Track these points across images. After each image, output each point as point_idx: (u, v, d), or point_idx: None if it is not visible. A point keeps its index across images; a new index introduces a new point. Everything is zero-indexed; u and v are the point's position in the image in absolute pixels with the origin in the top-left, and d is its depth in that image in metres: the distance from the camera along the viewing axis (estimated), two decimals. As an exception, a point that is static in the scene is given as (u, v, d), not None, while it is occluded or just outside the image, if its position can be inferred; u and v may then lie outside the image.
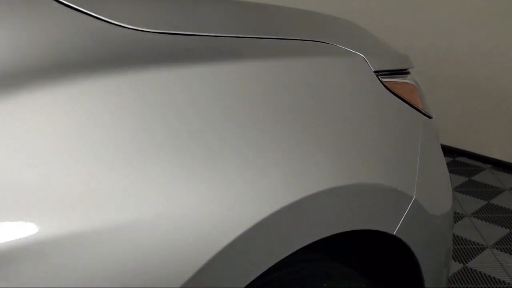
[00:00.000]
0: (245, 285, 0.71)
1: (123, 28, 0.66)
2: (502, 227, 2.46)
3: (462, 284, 2.02)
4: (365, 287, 0.93)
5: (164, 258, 0.60)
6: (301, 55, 0.84)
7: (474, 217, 2.54)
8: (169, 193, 0.61)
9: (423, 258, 1.04)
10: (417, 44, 3.04)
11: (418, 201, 0.97)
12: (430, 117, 1.11)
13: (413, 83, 1.08)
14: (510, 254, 2.23)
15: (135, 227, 0.59)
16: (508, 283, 2.04)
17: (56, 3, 0.61)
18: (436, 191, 1.06)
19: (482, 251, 2.26)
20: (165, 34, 0.70)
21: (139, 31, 0.67)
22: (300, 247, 0.77)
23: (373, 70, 0.95)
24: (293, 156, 0.74)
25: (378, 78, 0.96)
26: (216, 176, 0.66)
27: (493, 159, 3.17)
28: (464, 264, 2.15)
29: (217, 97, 0.69)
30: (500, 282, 2.04)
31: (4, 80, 0.54)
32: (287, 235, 0.75)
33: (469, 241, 2.32)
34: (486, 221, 2.50)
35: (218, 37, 0.75)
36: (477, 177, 2.98)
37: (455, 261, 2.16)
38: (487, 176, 3.00)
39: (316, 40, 0.90)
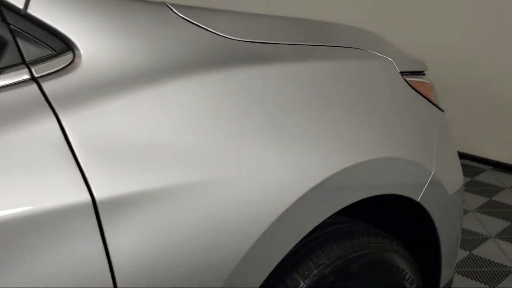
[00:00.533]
0: (302, 235, 0.94)
1: (224, 38, 0.91)
2: (503, 220, 2.69)
3: (468, 268, 2.25)
4: (384, 242, 1.15)
5: (260, 200, 0.84)
6: (348, 58, 1.09)
7: (478, 212, 2.77)
8: (264, 158, 0.85)
9: (440, 225, 1.28)
10: (418, 51, 3.28)
11: (436, 175, 1.21)
12: (442, 110, 1.36)
13: (428, 82, 1.32)
14: (511, 243, 2.46)
15: (238, 181, 0.82)
16: (510, 267, 2.26)
17: (183, 20, 0.86)
18: (449, 169, 1.30)
19: (486, 240, 2.49)
20: (252, 42, 0.95)
21: (235, 40, 0.92)
22: (350, 203, 1.01)
23: (398, 70, 1.20)
24: (347, 134, 0.99)
25: (403, 77, 1.20)
26: (292, 148, 0.90)
27: (493, 161, 3.41)
28: (470, 252, 2.38)
29: (292, 87, 0.94)
30: (502, 266, 2.27)
31: (159, 74, 0.79)
32: (341, 193, 0.99)
33: (474, 232, 2.55)
34: (488, 215, 2.73)
35: (291, 45, 1.00)
36: (479, 177, 3.21)
37: (461, 249, 2.39)
38: (488, 176, 3.24)
39: (357, 47, 1.14)
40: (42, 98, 0.69)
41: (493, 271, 2.24)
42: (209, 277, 0.79)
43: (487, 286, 2.13)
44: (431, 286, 1.40)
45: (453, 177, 1.32)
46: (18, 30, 0.70)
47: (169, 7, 0.86)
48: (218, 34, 0.90)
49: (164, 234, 0.74)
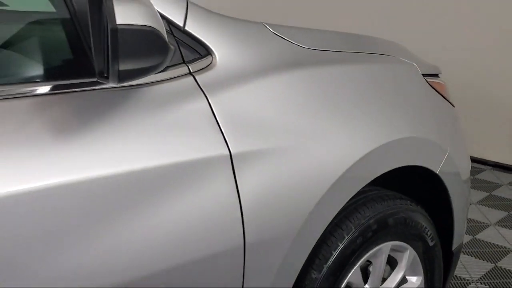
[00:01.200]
0: (357, 190, 1.28)
1: (306, 49, 1.26)
2: (501, 210, 3.03)
3: (473, 249, 2.58)
4: (411, 204, 1.49)
5: (331, 161, 1.18)
6: (384, 62, 1.44)
7: (479, 204, 3.11)
8: (333, 131, 1.20)
9: (453, 196, 1.62)
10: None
11: (450, 154, 1.55)
12: (453, 106, 1.71)
13: (442, 82, 1.68)
14: (509, 229, 2.80)
15: (317, 147, 1.17)
16: (508, 248, 2.60)
17: (273, 34, 1.21)
18: (459, 151, 1.65)
19: (487, 227, 2.83)
20: (319, 50, 1.30)
21: (310, 49, 1.27)
22: (388, 170, 1.35)
23: (421, 73, 1.55)
24: (387, 119, 1.34)
25: (424, 78, 1.56)
26: (350, 126, 1.25)
27: (491, 161, 3.75)
28: (473, 236, 2.72)
29: (348, 83, 1.29)
30: (501, 247, 2.61)
31: (266, 71, 1.13)
32: (383, 160, 1.33)
33: (476, 220, 2.89)
34: (488, 207, 3.07)
35: (345, 52, 1.35)
36: (479, 176, 3.56)
37: (466, 234, 2.72)
38: (488, 175, 3.59)
39: (389, 54, 1.50)
40: (196, 85, 1.03)
41: (494, 251, 2.57)
42: (297, 211, 1.13)
43: (490, 263, 2.47)
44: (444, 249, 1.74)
45: (462, 159, 1.66)
46: (179, 40, 1.04)
47: (264, 25, 1.22)
48: (296, 44, 1.25)
49: (273, 179, 1.08)
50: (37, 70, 1.02)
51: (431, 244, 1.57)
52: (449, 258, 1.75)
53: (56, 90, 0.91)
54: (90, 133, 0.89)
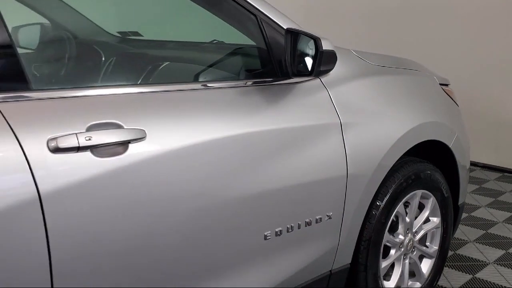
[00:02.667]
0: (401, 154, 2.08)
1: (373, 65, 2.08)
2: (490, 197, 3.84)
3: (467, 222, 3.37)
4: (433, 167, 2.28)
5: (388, 133, 1.99)
6: (414, 74, 2.27)
7: (472, 193, 3.92)
8: (391, 115, 2.01)
9: (460, 166, 2.42)
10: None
11: (458, 136, 2.36)
12: (458, 105, 2.52)
13: (451, 89, 2.49)
14: (497, 210, 3.60)
15: (380, 124, 1.97)
16: (494, 221, 3.40)
17: (357, 56, 2.02)
18: (463, 135, 2.45)
19: (478, 208, 3.63)
20: (381, 67, 2.11)
21: (374, 65, 2.09)
22: (421, 141, 2.14)
23: (438, 82, 2.37)
24: (419, 109, 2.15)
25: (440, 86, 2.38)
26: (400, 112, 2.06)
27: (481, 163, 4.57)
28: (469, 214, 3.51)
29: (397, 86, 2.11)
30: (490, 221, 3.41)
31: (357, 77, 1.94)
32: (417, 135, 2.13)
33: (470, 204, 3.69)
34: (479, 195, 3.88)
35: (393, 68, 2.18)
36: (471, 174, 4.37)
37: (464, 213, 3.51)
38: (478, 173, 4.40)
39: (414, 69, 2.32)
40: (322, 84, 1.83)
41: (483, 223, 3.36)
42: (372, 159, 1.92)
43: (482, 230, 3.26)
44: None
45: (465, 142, 2.46)
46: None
47: (351, 51, 2.02)
48: (369, 63, 2.07)
49: (361, 139, 1.88)
50: (247, 73, 1.81)
51: (446, 195, 2.36)
52: (456, 211, 2.54)
53: (256, 84, 1.70)
54: (271, 104, 1.67)
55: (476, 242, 3.09)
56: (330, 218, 1.83)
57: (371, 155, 1.93)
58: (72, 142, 1.19)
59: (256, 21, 1.71)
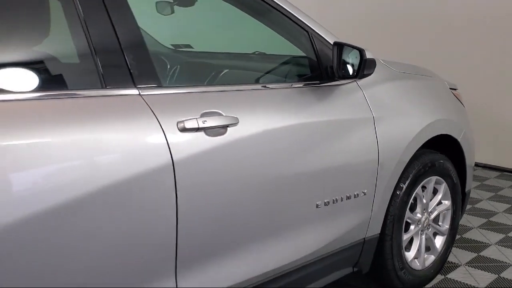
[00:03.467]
0: (420, 145, 2.52)
1: (397, 71, 2.53)
2: (490, 192, 4.28)
3: (471, 212, 3.81)
4: (445, 157, 2.73)
5: (412, 125, 2.44)
6: (429, 79, 2.73)
7: (475, 189, 4.36)
8: (413, 110, 2.46)
9: (467, 158, 2.87)
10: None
11: (465, 132, 2.81)
12: (464, 106, 2.97)
13: (458, 93, 2.95)
14: (497, 202, 4.04)
15: (407, 118, 2.42)
16: (495, 211, 3.84)
17: (385, 65, 2.48)
18: (469, 132, 2.90)
19: (480, 201, 4.07)
20: (402, 73, 2.57)
21: (398, 72, 2.54)
22: (435, 135, 2.59)
23: (448, 86, 2.83)
24: (434, 108, 2.60)
25: (450, 89, 2.83)
26: (420, 110, 2.51)
27: (481, 163, 5.02)
28: (472, 206, 3.95)
29: (417, 88, 2.57)
30: (491, 211, 3.84)
31: (384, 80, 2.39)
32: (433, 129, 2.57)
33: (474, 197, 4.13)
34: (482, 191, 4.32)
35: (413, 74, 2.64)
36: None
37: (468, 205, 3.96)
38: (479, 172, 4.85)
39: (428, 75, 2.78)
40: (358, 86, 2.28)
41: (486, 213, 3.80)
42: (398, 148, 2.37)
43: (484, 219, 3.70)
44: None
45: (471, 139, 2.91)
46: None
47: (379, 60, 2.47)
48: (393, 69, 2.52)
49: (389, 131, 2.32)
50: (298, 77, 2.26)
51: (455, 182, 2.80)
52: (463, 196, 2.98)
53: (307, 85, 2.14)
54: (320, 101, 2.11)
55: (480, 228, 3.53)
56: (365, 194, 2.27)
57: (397, 144, 2.38)
58: (194, 124, 1.63)
59: (308, 36, 2.16)
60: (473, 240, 3.34)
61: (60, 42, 1.68)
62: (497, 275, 2.86)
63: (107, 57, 1.57)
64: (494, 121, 4.89)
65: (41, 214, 1.35)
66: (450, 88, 2.90)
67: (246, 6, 2.19)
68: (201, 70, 2.58)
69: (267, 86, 2.10)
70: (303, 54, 2.25)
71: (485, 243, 3.29)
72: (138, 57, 1.63)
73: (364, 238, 2.35)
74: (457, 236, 3.33)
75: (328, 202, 2.12)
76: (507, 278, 2.83)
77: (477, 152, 4.97)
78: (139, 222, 1.56)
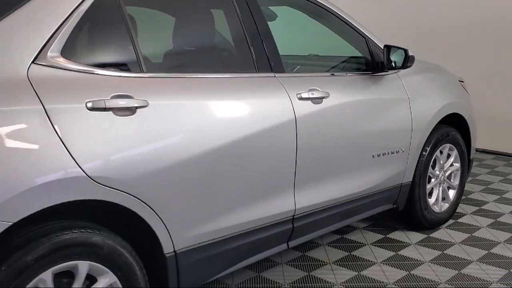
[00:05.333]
0: (437, 122, 3.51)
1: (422, 67, 3.52)
2: (487, 169, 5.28)
3: (474, 182, 4.80)
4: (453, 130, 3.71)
5: (431, 107, 3.43)
6: (443, 73, 3.75)
7: (476, 166, 5.34)
8: (430, 97, 3.46)
9: (471, 130, 3.86)
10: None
11: (470, 113, 3.80)
12: (468, 94, 3.97)
13: (465, 84, 3.94)
14: (493, 175, 5.03)
15: (425, 101, 3.41)
16: (492, 181, 4.82)
17: (417, 63, 3.47)
18: (472, 112, 3.89)
19: (480, 175, 5.06)
20: (426, 68, 3.56)
21: (423, 67, 3.53)
22: (449, 113, 3.57)
23: (458, 79, 3.83)
24: (447, 95, 3.61)
25: (458, 81, 3.83)
26: (435, 96, 3.51)
27: (480, 148, 6.01)
28: (474, 178, 4.93)
29: (434, 80, 3.57)
30: (489, 181, 4.84)
31: (413, 73, 3.38)
32: (447, 109, 3.56)
33: (474, 172, 5.11)
34: (481, 168, 5.31)
35: (432, 69, 3.63)
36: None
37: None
38: (478, 155, 5.84)
39: (443, 70, 3.78)
40: (398, 76, 3.26)
41: (484, 182, 4.79)
42: (423, 122, 3.35)
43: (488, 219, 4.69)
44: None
45: (475, 118, 3.90)
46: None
47: (416, 60, 3.44)
48: (420, 65, 3.50)
49: (416, 110, 3.31)
50: (356, 70, 3.24)
51: (463, 149, 3.79)
52: (469, 162, 3.96)
53: (361, 74, 3.12)
54: (374, 85, 3.09)
55: (481, 192, 4.52)
56: (403, 151, 3.25)
57: (423, 118, 3.36)
58: (306, 95, 2.60)
59: (365, 41, 3.14)
60: (476, 200, 4.33)
61: (222, 43, 2.66)
62: (494, 220, 3.85)
63: (257, 53, 2.54)
64: (490, 111, 5.89)
65: (213, 149, 2.20)
66: (459, 80, 3.89)
67: (325, 20, 3.16)
68: (301, 63, 3.51)
69: (348, 74, 3.10)
70: (359, 55, 3.23)
71: (485, 201, 4.28)
72: (273, 54, 2.60)
73: (401, 183, 3.33)
74: (463, 197, 4.31)
75: (380, 154, 3.10)
76: (506, 222, 3.82)
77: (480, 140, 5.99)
78: (275, 157, 2.51)
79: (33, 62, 1.81)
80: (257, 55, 2.53)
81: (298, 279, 2.94)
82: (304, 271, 3.03)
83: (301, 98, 2.60)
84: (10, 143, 1.68)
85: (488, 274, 2.99)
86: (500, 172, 5.17)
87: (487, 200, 4.29)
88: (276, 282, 2.91)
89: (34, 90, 1.77)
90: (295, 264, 3.12)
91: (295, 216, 2.65)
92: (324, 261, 3.16)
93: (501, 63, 5.71)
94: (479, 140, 5.97)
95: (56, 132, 1.77)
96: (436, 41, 6.07)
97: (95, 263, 1.89)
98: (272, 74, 2.57)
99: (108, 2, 2.08)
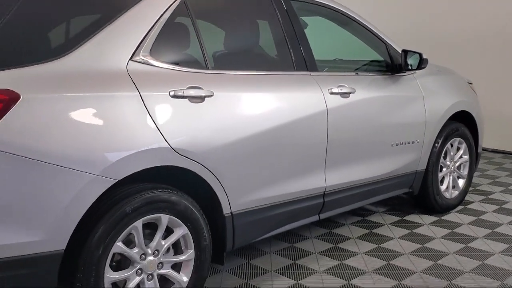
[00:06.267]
0: (448, 117, 4.00)
1: (436, 69, 4.02)
2: (495, 165, 5.73)
3: (482, 176, 5.26)
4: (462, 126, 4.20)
5: (442, 105, 3.93)
6: (455, 75, 4.25)
7: (484, 164, 5.80)
8: (441, 96, 3.95)
9: (479, 128, 4.34)
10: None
11: (478, 111, 4.29)
12: (476, 94, 4.45)
13: (473, 86, 4.42)
14: (501, 171, 5.49)
15: (436, 100, 3.91)
16: (499, 175, 5.28)
17: (433, 65, 3.97)
18: (480, 111, 4.36)
19: (488, 170, 5.51)
20: (439, 70, 4.06)
21: (435, 69, 4.03)
22: (458, 110, 4.05)
23: (466, 81, 4.32)
24: (456, 94, 4.10)
25: (467, 83, 4.32)
26: (446, 95, 4.00)
27: (489, 148, 6.47)
28: (482, 173, 5.39)
29: (443, 80, 4.07)
30: (496, 176, 5.30)
31: (426, 75, 3.88)
32: (456, 106, 4.04)
33: (481, 168, 5.57)
34: (489, 165, 5.77)
35: (444, 71, 4.13)
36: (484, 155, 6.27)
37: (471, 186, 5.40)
38: (487, 154, 6.30)
39: (453, 73, 4.28)
40: (414, 77, 3.76)
41: (492, 176, 5.25)
42: (436, 116, 3.85)
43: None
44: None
45: (482, 116, 4.38)
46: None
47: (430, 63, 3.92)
48: (433, 68, 4.00)
49: (430, 105, 3.80)
50: (379, 71, 3.75)
51: (471, 143, 4.27)
52: (476, 155, 4.43)
53: (382, 74, 3.63)
54: (393, 83, 3.60)
55: (489, 184, 4.98)
56: (418, 142, 3.74)
57: (436, 114, 3.84)
58: (336, 90, 3.12)
59: (385, 47, 3.65)
60: (484, 190, 4.79)
61: (270, 46, 3.18)
62: (499, 206, 4.32)
63: (296, 55, 3.06)
64: (500, 114, 6.36)
65: (262, 132, 2.72)
66: (468, 82, 4.38)
67: (351, 28, 3.67)
68: (329, 65, 4.02)
69: (370, 74, 3.60)
70: (380, 58, 3.74)
71: (491, 191, 4.74)
72: (308, 56, 3.12)
73: (416, 170, 3.82)
74: (472, 188, 4.78)
75: (398, 143, 3.60)
76: (510, 208, 4.28)
77: (484, 138, 6.45)
78: (310, 141, 3.02)
79: (130, 59, 2.35)
80: (295, 57, 3.05)
81: (328, 249, 3.44)
82: (331, 242, 3.53)
83: (332, 93, 3.11)
84: (116, 119, 2.21)
85: (491, 247, 3.47)
86: (507, 168, 5.63)
87: (494, 191, 4.76)
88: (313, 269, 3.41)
89: (132, 80, 2.30)
90: (324, 238, 3.62)
91: (325, 192, 3.16)
92: (348, 236, 3.66)
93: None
94: (489, 141, 6.45)
95: (148, 112, 2.30)
96: (453, 50, 6.56)
97: (173, 217, 2.41)
98: (307, 73, 3.08)
99: (182, 14, 2.62)
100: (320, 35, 4.72)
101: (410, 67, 3.61)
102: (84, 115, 2.13)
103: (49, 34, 2.35)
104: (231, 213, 2.66)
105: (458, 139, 4.15)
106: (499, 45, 6.24)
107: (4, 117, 1.93)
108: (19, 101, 1.97)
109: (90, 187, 2.11)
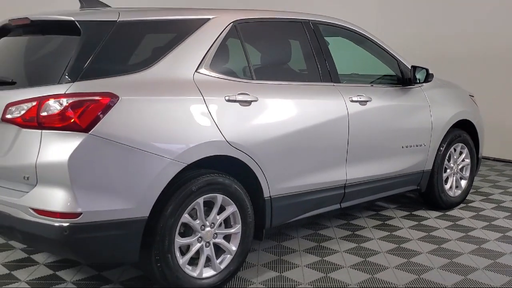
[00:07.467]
0: (451, 125, 4.59)
1: (440, 82, 4.63)
2: (496, 172, 6.28)
3: (484, 180, 5.82)
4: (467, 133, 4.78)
5: (447, 113, 4.53)
6: (458, 88, 4.85)
7: (485, 170, 6.35)
8: (447, 105, 4.55)
9: (479, 135, 4.92)
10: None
11: (478, 120, 4.88)
12: (477, 106, 5.04)
13: (474, 98, 5.01)
14: (501, 176, 6.04)
15: (443, 108, 4.51)
16: (500, 180, 5.83)
17: (437, 79, 4.57)
18: (480, 120, 4.94)
19: (489, 176, 6.07)
20: (443, 83, 4.66)
21: (439, 82, 4.64)
22: (461, 119, 4.64)
23: (468, 94, 4.92)
24: (458, 105, 4.70)
25: (469, 95, 4.92)
26: (451, 105, 4.60)
27: (491, 157, 7.02)
28: (484, 178, 5.95)
29: (447, 93, 4.68)
30: (497, 180, 5.85)
31: (432, 87, 4.48)
32: (459, 115, 4.63)
33: (482, 173, 6.13)
34: (491, 171, 6.32)
35: (447, 84, 4.74)
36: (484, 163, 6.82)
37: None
38: (490, 162, 6.85)
39: (456, 86, 4.89)
40: (421, 89, 4.37)
41: (493, 180, 5.80)
42: (442, 123, 4.44)
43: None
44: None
45: (483, 125, 4.96)
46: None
47: (435, 77, 4.53)
48: (438, 81, 4.60)
49: (436, 113, 4.40)
50: (391, 84, 4.35)
51: (472, 149, 4.85)
52: (477, 160, 5.00)
53: (393, 86, 4.23)
54: (404, 94, 4.20)
55: (491, 187, 5.54)
56: (425, 145, 4.33)
57: (440, 121, 4.43)
58: (356, 98, 3.74)
59: (397, 63, 4.26)
60: (484, 192, 5.36)
61: (301, 61, 3.79)
62: (497, 205, 4.88)
63: (322, 68, 3.67)
64: (502, 126, 6.92)
65: (297, 131, 3.34)
66: (469, 95, 4.97)
67: (367, 47, 4.28)
68: (347, 78, 4.61)
69: (383, 86, 4.20)
70: (391, 73, 4.35)
71: (491, 193, 5.30)
72: (332, 69, 3.73)
73: (423, 170, 4.40)
74: (473, 190, 5.34)
75: (407, 146, 4.19)
76: (507, 206, 4.84)
77: (487, 148, 7.01)
78: (334, 140, 3.62)
79: (196, 71, 2.98)
80: (321, 70, 3.66)
81: (347, 235, 4.02)
82: (350, 231, 4.12)
83: (352, 101, 3.72)
84: (187, 116, 2.84)
85: (488, 236, 4.04)
86: (508, 174, 6.19)
87: (493, 193, 5.32)
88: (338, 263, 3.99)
89: (197, 87, 2.93)
90: (344, 227, 4.21)
91: (346, 184, 3.75)
92: (364, 226, 4.24)
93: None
94: (491, 150, 7.00)
95: (210, 113, 2.92)
96: (458, 67, 7.17)
97: (226, 197, 3.02)
98: (331, 84, 3.70)
99: (233, 36, 3.26)
100: (340, 53, 5.37)
101: (418, 81, 4.22)
102: (164, 113, 2.76)
103: (137, 51, 2.99)
104: (270, 197, 3.26)
105: (460, 144, 4.73)
106: (501, 63, 6.84)
107: (108, 113, 2.56)
108: (118, 101, 2.60)
109: (168, 168, 2.72)
